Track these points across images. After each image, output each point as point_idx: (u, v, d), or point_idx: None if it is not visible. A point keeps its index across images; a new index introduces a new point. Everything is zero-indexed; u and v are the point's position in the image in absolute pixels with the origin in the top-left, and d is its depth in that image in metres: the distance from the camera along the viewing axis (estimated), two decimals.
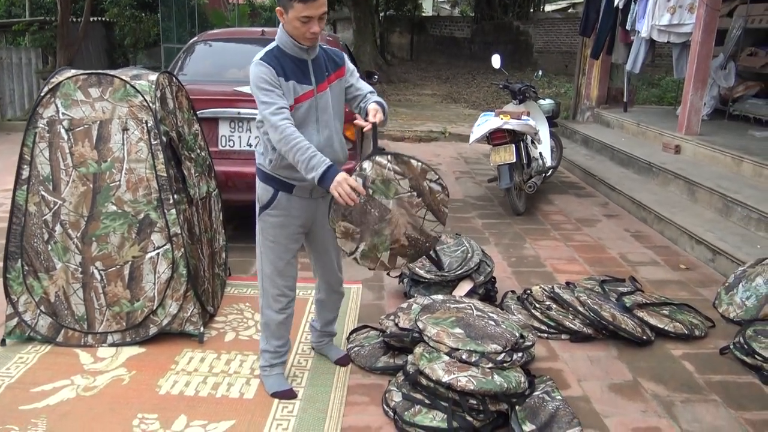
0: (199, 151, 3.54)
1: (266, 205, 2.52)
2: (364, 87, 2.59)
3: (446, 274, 3.56)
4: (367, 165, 2.36)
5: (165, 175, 3.08)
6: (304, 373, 2.93)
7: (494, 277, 3.82)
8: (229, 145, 4.34)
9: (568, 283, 3.79)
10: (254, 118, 4.26)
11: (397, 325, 2.97)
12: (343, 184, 2.24)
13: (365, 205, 2.36)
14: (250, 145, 4.33)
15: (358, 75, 2.60)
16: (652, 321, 3.38)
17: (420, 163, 2.40)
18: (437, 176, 2.39)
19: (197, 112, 3.67)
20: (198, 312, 3.18)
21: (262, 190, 2.52)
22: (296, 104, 2.38)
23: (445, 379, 2.51)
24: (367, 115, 2.45)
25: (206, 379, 2.85)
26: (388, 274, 2.61)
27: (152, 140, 3.06)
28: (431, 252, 2.42)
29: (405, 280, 3.74)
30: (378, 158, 2.36)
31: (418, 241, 2.34)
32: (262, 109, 2.32)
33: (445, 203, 2.39)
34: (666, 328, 3.36)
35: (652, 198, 5.74)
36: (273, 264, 2.57)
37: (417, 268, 3.60)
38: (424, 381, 2.58)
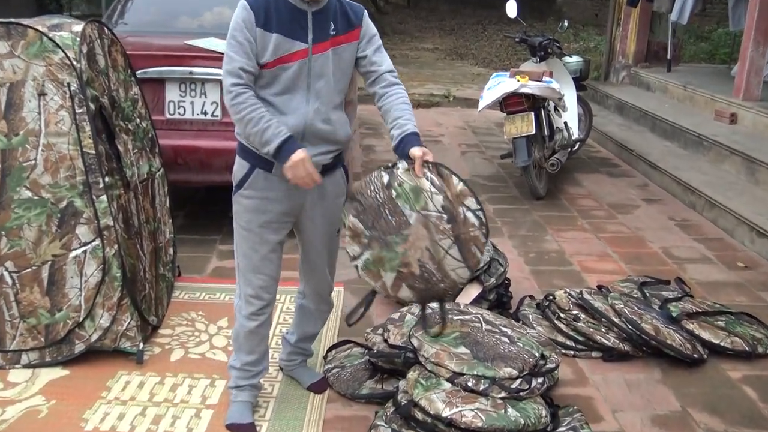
0: (138, 121, 3.45)
1: (240, 184, 2.53)
2: (383, 63, 2.51)
3: None
4: (402, 165, 2.38)
5: (93, 152, 2.98)
6: (268, 402, 2.88)
7: (508, 279, 3.77)
8: (179, 113, 4.27)
9: (600, 287, 3.73)
10: (210, 80, 4.18)
11: (386, 341, 2.93)
12: (299, 166, 2.29)
13: (382, 207, 2.36)
14: (206, 113, 4.26)
15: (379, 44, 2.52)
16: (705, 335, 3.31)
17: (461, 183, 2.38)
18: (479, 206, 2.36)
19: (137, 72, 3.60)
20: (136, 324, 3.11)
21: (238, 166, 2.54)
22: (281, 64, 2.35)
23: (446, 413, 2.45)
24: (399, 147, 2.41)
25: (145, 411, 2.79)
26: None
27: (77, 108, 2.96)
28: (442, 300, 2.46)
29: None
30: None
31: (432, 276, 2.33)
32: (223, 64, 2.34)
33: (478, 243, 2.36)
34: (722, 343, 3.30)
35: (703, 179, 5.67)
36: (246, 257, 2.58)
37: None
38: (419, 415, 2.52)
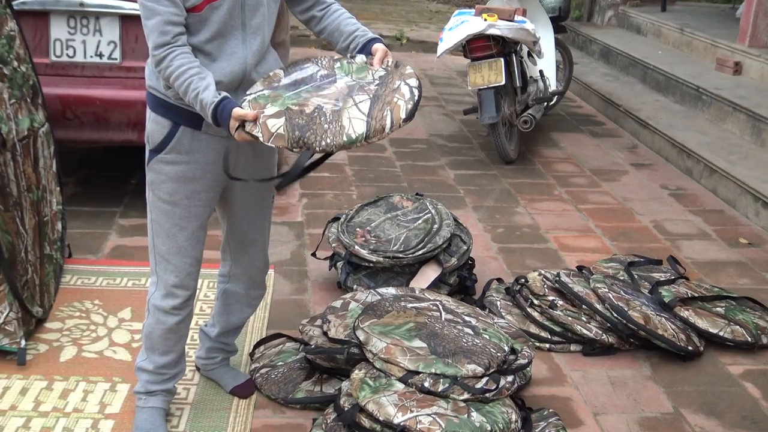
0: (16, 64, 3.37)
1: (159, 147, 2.51)
2: None
3: (399, 254, 3.51)
4: (360, 58, 2.46)
5: None
6: (183, 409, 2.86)
7: (472, 259, 3.81)
8: (68, 55, 4.19)
9: (580, 268, 3.79)
10: (107, 13, 4.11)
11: (326, 334, 2.94)
12: (240, 134, 2.28)
13: (317, 72, 2.45)
14: (101, 55, 4.17)
15: None
16: (701, 323, 3.39)
17: (413, 71, 2.47)
18: (417, 82, 2.38)
19: (14, 3, 3.52)
20: (17, 317, 3.06)
21: (154, 125, 2.50)
22: (211, 2, 2.34)
23: (399, 419, 2.47)
24: (361, 52, 2.50)
25: (30, 423, 2.75)
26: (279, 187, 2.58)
27: None
28: (307, 149, 2.32)
29: (339, 264, 3.69)
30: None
31: (320, 117, 2.30)
32: (142, 18, 2.33)
33: (395, 112, 2.31)
34: (721, 333, 3.39)
35: (701, 140, 5.79)
36: (170, 237, 2.56)
37: (357, 246, 3.55)
38: (366, 422, 2.53)
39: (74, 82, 4.16)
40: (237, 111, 2.25)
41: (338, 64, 2.44)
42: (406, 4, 12.04)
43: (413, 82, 2.36)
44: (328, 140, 2.22)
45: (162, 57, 2.30)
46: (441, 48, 5.36)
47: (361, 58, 2.45)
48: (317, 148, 2.24)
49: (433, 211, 3.81)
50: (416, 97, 2.33)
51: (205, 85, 2.28)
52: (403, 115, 2.27)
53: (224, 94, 2.30)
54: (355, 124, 2.25)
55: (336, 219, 3.85)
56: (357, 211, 3.85)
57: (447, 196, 4.92)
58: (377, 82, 2.37)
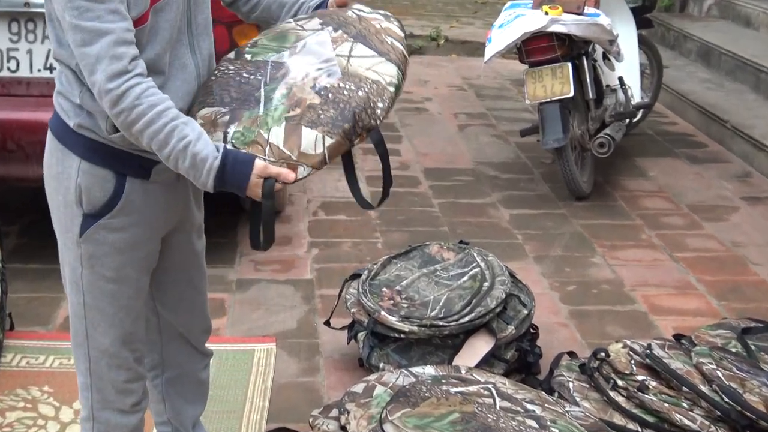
0: None
1: (103, 210, 2.46)
2: None
3: (439, 322, 3.52)
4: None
5: None
6: None
7: (535, 327, 3.80)
8: (9, 69, 4.27)
9: (678, 337, 3.74)
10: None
11: (344, 429, 2.92)
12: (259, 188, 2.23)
13: (236, 75, 2.43)
14: (51, 68, 4.21)
15: None
16: None
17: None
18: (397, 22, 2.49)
19: None
20: None
21: (91, 180, 2.43)
22: (156, 3, 2.30)
23: None
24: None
25: None
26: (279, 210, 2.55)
27: None
28: (373, 118, 2.32)
29: (360, 335, 3.69)
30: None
31: (340, 91, 2.31)
32: (79, 44, 2.20)
33: (392, 34, 2.41)
34: None
35: None
36: (114, 325, 2.54)
37: (383, 311, 3.55)
38: None
39: (17, 104, 4.21)
40: (264, 165, 2.21)
41: (248, 56, 2.47)
42: None
43: (362, 6, 2.46)
44: (380, 103, 2.26)
45: (122, 92, 2.17)
46: (490, 50, 5.37)
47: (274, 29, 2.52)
48: (379, 120, 2.28)
49: (482, 265, 3.79)
50: (386, 12, 2.46)
51: (198, 134, 2.22)
52: (401, 33, 2.39)
53: (221, 143, 2.26)
54: (379, 69, 2.31)
55: (356, 276, 3.85)
56: (383, 266, 3.85)
57: (500, 244, 4.91)
58: (329, 27, 2.43)
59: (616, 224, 5.31)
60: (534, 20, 5.21)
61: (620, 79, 5.88)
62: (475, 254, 3.86)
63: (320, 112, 2.27)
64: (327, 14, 2.50)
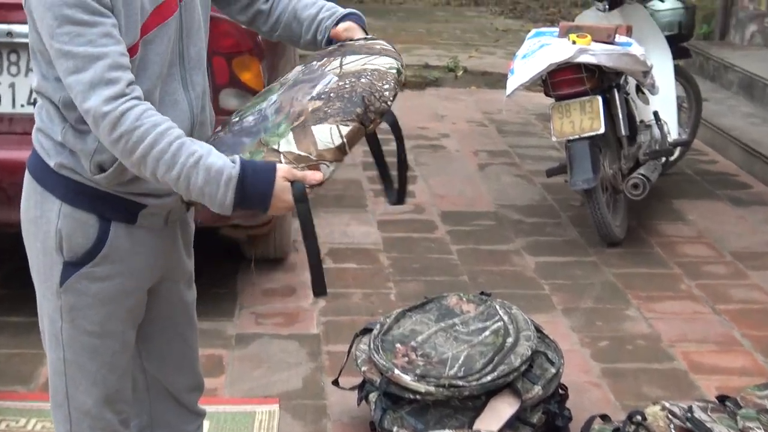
0: None
1: (85, 258, 2.46)
2: None
3: (459, 381, 3.50)
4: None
5: None
6: None
7: (564, 387, 3.78)
8: None
9: (722, 399, 3.71)
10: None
11: None
12: (285, 191, 2.20)
13: (230, 131, 2.45)
14: (36, 103, 4.23)
15: None
16: None
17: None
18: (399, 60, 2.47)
19: None
20: None
21: (72, 224, 2.44)
22: (145, 35, 2.31)
23: None
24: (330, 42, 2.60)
25: None
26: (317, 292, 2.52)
27: None
28: (385, 101, 2.36)
29: (371, 396, 3.68)
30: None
31: (341, 88, 2.34)
32: (69, 73, 2.20)
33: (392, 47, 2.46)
34: None
35: None
36: (97, 384, 2.54)
37: (397, 369, 3.54)
38: None
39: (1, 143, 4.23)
40: (288, 168, 2.21)
41: (240, 112, 2.51)
42: (461, 20, 12.21)
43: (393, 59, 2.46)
44: (385, 85, 2.30)
45: (121, 114, 2.17)
46: (513, 83, 5.39)
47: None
48: (389, 101, 2.30)
49: (505, 318, 3.77)
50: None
51: (208, 149, 2.21)
52: (390, 47, 2.47)
53: (236, 155, 2.26)
54: (375, 62, 2.37)
55: (367, 331, 3.84)
56: (397, 319, 3.84)
57: (525, 295, 4.89)
58: (313, 61, 2.49)
59: (652, 273, 5.29)
60: (560, 50, 5.23)
61: (655, 113, 5.90)
62: (498, 306, 3.84)
63: (326, 109, 2.28)
64: (308, 57, 2.53)
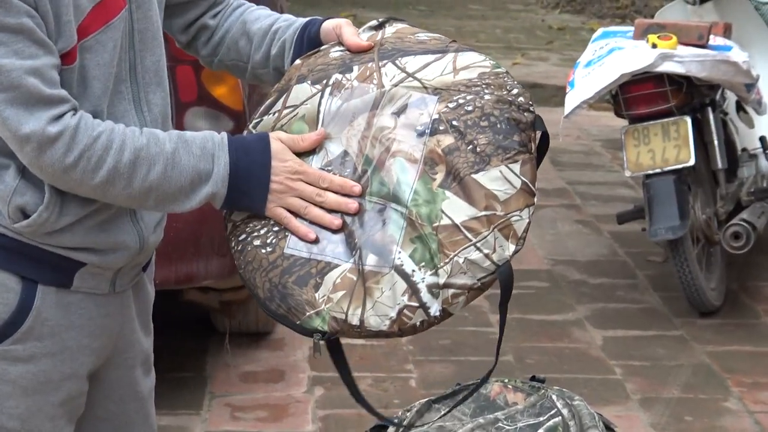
0: None
1: (2, 333, 2.44)
2: None
3: None
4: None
5: None
6: None
7: None
8: None
9: None
10: None
11: None
12: (288, 159, 2.30)
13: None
14: None
15: None
16: None
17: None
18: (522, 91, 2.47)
19: None
20: None
21: None
22: (83, 39, 2.34)
23: None
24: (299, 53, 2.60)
25: None
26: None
27: None
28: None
29: None
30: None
31: (458, 110, 2.37)
32: None
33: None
34: None
35: None
36: None
37: None
38: None
39: None
40: (284, 135, 2.32)
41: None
42: (503, 16, 12.20)
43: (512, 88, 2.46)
44: (512, 90, 2.38)
45: (76, 125, 2.23)
46: (573, 99, 5.44)
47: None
48: (531, 105, 2.38)
49: (564, 412, 3.78)
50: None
51: (192, 134, 2.33)
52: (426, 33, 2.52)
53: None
54: (459, 63, 2.42)
55: (381, 428, 3.87)
56: (420, 414, 3.85)
57: (591, 381, 4.93)
58: (335, 73, 2.46)
59: (758, 352, 5.30)
60: (636, 56, 5.28)
61: (762, 139, 5.89)
62: (555, 397, 3.86)
63: (469, 147, 2.32)
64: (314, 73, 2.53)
